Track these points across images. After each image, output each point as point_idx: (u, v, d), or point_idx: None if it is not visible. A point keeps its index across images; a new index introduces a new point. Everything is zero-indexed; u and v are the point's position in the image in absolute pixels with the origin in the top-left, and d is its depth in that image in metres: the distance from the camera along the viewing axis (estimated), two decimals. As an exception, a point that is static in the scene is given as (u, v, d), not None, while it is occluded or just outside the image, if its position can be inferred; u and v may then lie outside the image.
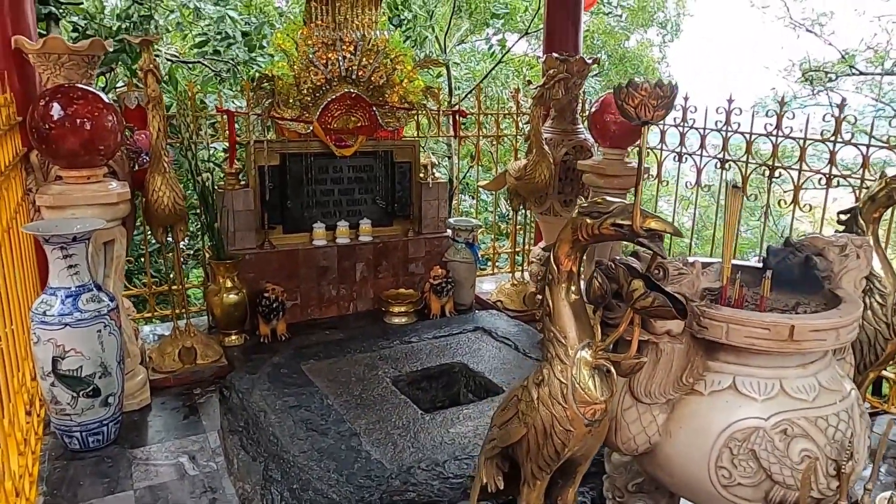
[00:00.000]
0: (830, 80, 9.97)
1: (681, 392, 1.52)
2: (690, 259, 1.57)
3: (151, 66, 3.12)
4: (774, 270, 1.69)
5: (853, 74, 9.82)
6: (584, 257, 1.43)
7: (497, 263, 5.76)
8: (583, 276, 1.49)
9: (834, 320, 1.45)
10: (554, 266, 1.40)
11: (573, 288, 1.41)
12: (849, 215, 2.17)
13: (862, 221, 2.10)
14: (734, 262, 1.76)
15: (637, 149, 4.66)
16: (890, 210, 2.57)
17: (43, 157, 3.23)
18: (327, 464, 2.44)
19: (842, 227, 2.19)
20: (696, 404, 1.53)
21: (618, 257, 1.43)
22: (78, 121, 2.90)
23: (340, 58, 4.09)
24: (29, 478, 2.54)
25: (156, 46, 3.80)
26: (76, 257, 2.71)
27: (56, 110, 2.87)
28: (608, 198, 1.32)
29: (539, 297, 1.47)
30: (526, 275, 4.88)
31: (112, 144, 3.03)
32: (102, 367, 2.79)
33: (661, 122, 4.53)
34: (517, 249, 5.25)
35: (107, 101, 3.04)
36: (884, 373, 2.99)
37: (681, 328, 1.49)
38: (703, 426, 1.50)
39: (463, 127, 5.06)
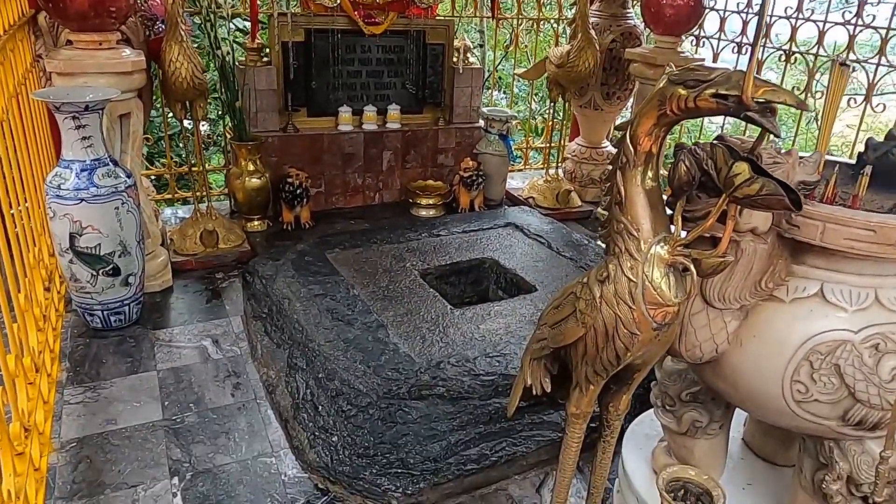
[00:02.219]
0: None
1: (759, 297, 1.35)
2: (784, 147, 1.35)
3: (164, -84, 2.80)
4: (874, 167, 1.46)
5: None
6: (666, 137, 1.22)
7: (528, 160, 5.51)
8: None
9: (952, 224, 1.24)
10: (630, 146, 1.20)
11: (650, 173, 1.21)
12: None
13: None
14: (827, 157, 1.54)
15: (715, 33, 4.29)
16: None
17: (51, 19, 2.99)
18: (354, 354, 2.35)
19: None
20: (774, 312, 1.36)
21: (705, 143, 1.22)
22: (84, -23, 2.64)
23: (372, -79, 3.69)
24: (50, 354, 2.49)
25: None
26: (90, 128, 2.53)
27: (62, -36, 2.60)
28: (707, 64, 1.09)
29: (607, 183, 1.28)
30: (560, 171, 4.64)
31: (124, 6, 2.78)
32: (121, 245, 2.68)
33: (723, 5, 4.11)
34: (552, 145, 4.98)
35: (116, -45, 2.75)
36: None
37: (767, 226, 1.30)
38: (781, 336, 1.34)
39: (501, 9, 4.66)
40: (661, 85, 1.14)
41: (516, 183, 4.83)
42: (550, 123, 4.96)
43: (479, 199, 4.23)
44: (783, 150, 1.33)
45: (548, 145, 5.11)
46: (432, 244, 3.34)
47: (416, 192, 4.15)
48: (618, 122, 4.57)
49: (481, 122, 4.36)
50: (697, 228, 1.19)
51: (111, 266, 2.68)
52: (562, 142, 4.74)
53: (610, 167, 1.29)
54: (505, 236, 3.49)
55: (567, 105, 4.32)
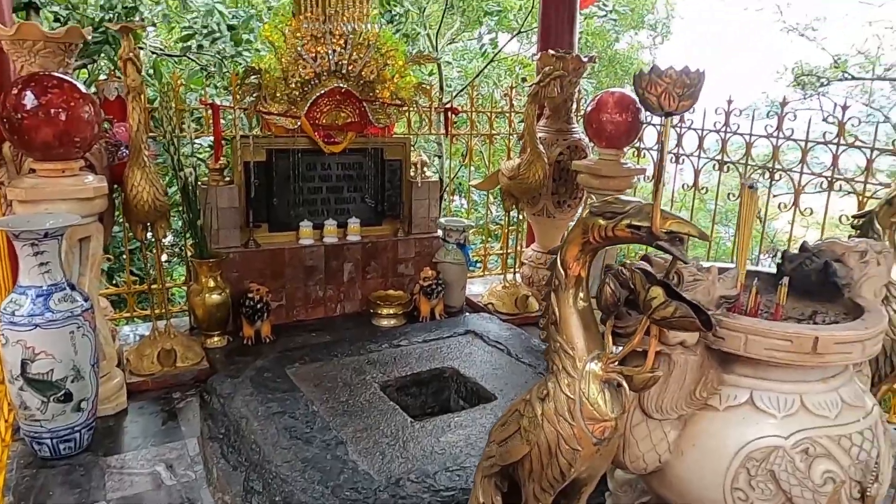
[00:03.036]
0: (822, 84, 9.95)
1: (694, 407, 1.42)
2: (705, 263, 1.47)
3: (132, 54, 2.98)
4: (790, 277, 1.59)
5: (845, 79, 9.81)
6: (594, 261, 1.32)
7: (487, 265, 5.65)
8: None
9: (860, 332, 1.35)
10: (561, 270, 1.29)
11: (581, 294, 1.30)
12: (864, 220, 2.08)
13: (878, 226, 2.01)
14: (748, 268, 1.66)
15: (654, 145, 4.57)
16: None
17: (15, 149, 3.07)
18: (311, 474, 2.31)
19: (856, 232, 2.10)
20: (710, 420, 1.42)
21: (627, 262, 1.32)
22: (52, 111, 2.76)
23: (330, 51, 3.96)
24: (-7, 488, 2.39)
25: (141, 37, 3.65)
26: (48, 254, 2.56)
27: (29, 99, 2.73)
28: (623, 197, 1.21)
29: (544, 303, 1.36)
30: (518, 277, 4.77)
31: (89, 136, 2.89)
32: (75, 370, 2.65)
33: (662, 119, 4.44)
34: (509, 251, 5.14)
35: (83, 90, 2.90)
36: None
37: (695, 339, 1.39)
38: (718, 444, 1.39)
39: (455, 125, 4.94)
40: (584, 216, 1.25)
41: (476, 289, 4.93)
42: (506, 231, 5.15)
43: (440, 307, 4.30)
44: (703, 267, 1.44)
45: (505, 251, 5.27)
46: (393, 355, 3.36)
47: (378, 302, 4.21)
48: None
49: (440, 232, 4.50)
50: (627, 346, 1.27)
51: (63, 392, 2.63)
52: (518, 248, 4.91)
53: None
54: (465, 344, 3.53)
55: (521, 213, 4.51)
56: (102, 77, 6.74)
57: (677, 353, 1.38)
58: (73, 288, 2.70)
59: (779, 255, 1.69)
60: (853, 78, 9.77)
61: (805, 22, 10.38)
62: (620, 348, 1.31)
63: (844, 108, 3.20)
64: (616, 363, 1.25)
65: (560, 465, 1.28)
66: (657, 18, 15.11)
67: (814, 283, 1.62)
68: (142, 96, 3.15)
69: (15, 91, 2.75)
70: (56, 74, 2.91)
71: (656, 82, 1.14)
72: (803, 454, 1.35)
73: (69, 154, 2.85)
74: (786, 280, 1.56)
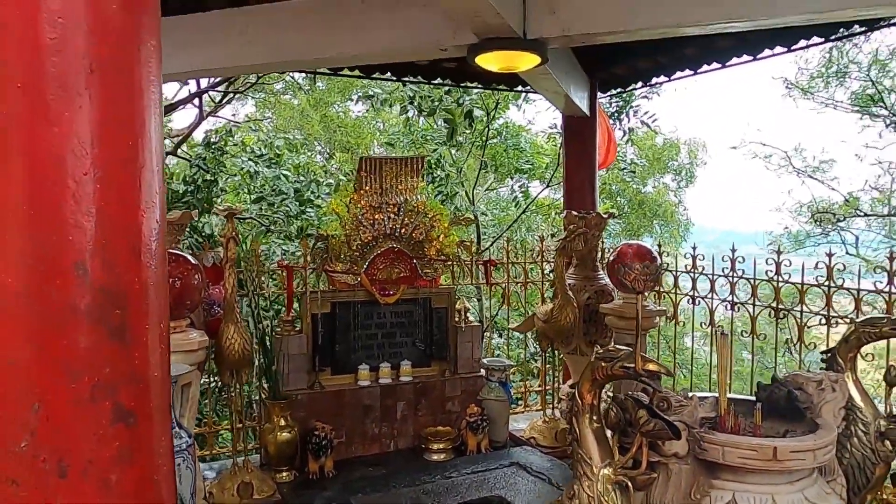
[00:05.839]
0: (839, 220, 10.50)
1: (691, 506, 1.83)
2: (689, 393, 1.93)
3: (233, 233, 3.71)
4: (764, 402, 2.04)
5: (859, 215, 10.36)
6: (603, 392, 1.80)
7: (528, 401, 6.02)
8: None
9: (809, 443, 1.78)
10: (579, 400, 1.78)
11: (594, 417, 1.77)
12: (829, 354, 2.52)
13: (840, 360, 2.44)
14: (732, 395, 2.12)
15: (672, 289, 5.09)
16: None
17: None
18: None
19: (824, 365, 2.53)
20: (704, 517, 1.82)
21: (630, 392, 1.81)
22: (170, 279, 3.44)
23: (386, 218, 4.70)
24: None
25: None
26: (164, 398, 3.12)
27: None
28: (618, 346, 1.72)
29: (568, 426, 1.83)
30: (557, 412, 5.14)
31: (196, 299, 3.55)
32: (179, 499, 3.11)
33: (675, 269, 4.99)
34: (547, 387, 5.55)
35: (194, 262, 3.60)
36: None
37: (685, 451, 1.83)
38: (711, 536, 1.79)
39: (494, 275, 5.57)
40: (592, 360, 1.77)
41: (519, 424, 5.29)
42: (544, 369, 5.59)
43: (485, 442, 4.67)
44: (688, 395, 1.92)
45: (543, 388, 5.68)
46: (445, 486, 3.74)
47: (428, 437, 4.62)
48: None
49: (483, 372, 4.97)
50: (628, 455, 1.73)
51: (168, 517, 3.08)
52: (556, 384, 5.32)
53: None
54: (510, 475, 3.90)
55: (556, 352, 4.98)
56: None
57: (672, 463, 1.81)
58: (179, 426, 3.23)
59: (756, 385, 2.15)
60: (866, 214, 10.32)
61: (813, 165, 11.15)
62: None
63: (830, 255, 3.72)
64: (623, 468, 1.70)
65: (586, 551, 1.69)
66: (680, 164, 16.13)
67: (784, 407, 2.06)
68: (235, 265, 3.84)
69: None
70: (172, 250, 3.63)
71: (628, 272, 1.68)
72: (777, 542, 1.73)
73: (180, 314, 3.50)
74: (759, 405, 2.01)
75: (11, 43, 0.76)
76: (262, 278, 4.78)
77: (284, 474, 4.23)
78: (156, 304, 0.91)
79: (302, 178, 8.52)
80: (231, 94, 11.07)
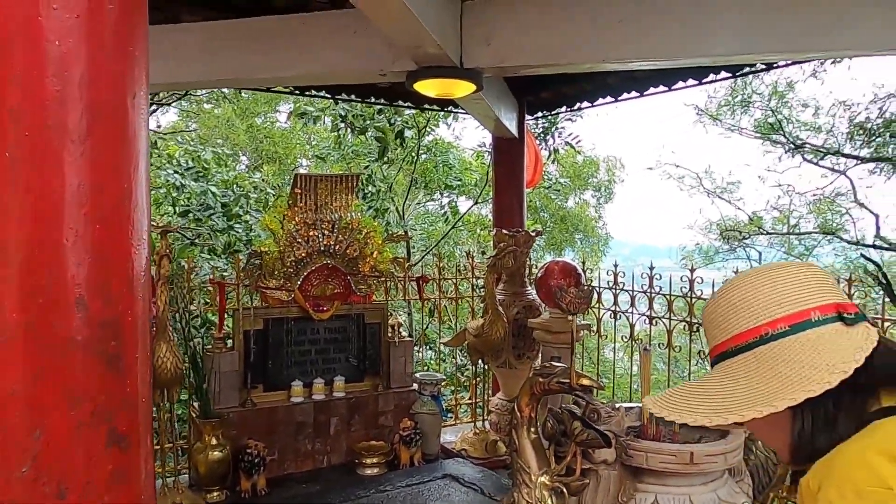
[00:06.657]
0: (744, 238, 11.29)
1: (618, 509, 2.00)
2: (617, 404, 2.11)
3: (167, 250, 3.68)
4: (681, 412, 2.24)
5: (762, 234, 11.19)
6: (539, 405, 1.95)
7: (458, 414, 6.16)
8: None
9: (721, 447, 1.99)
10: (518, 413, 1.92)
11: (532, 429, 1.92)
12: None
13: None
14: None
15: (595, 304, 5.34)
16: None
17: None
18: None
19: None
20: (630, 518, 2.00)
21: (563, 404, 1.97)
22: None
23: (320, 234, 4.74)
24: None
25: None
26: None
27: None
28: (555, 363, 1.88)
29: (507, 437, 1.97)
30: (486, 424, 5.30)
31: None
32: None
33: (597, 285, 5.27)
34: (477, 400, 5.70)
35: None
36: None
37: (613, 458, 2.00)
38: (636, 535, 1.96)
39: (426, 290, 5.69)
40: (530, 376, 1.92)
41: (449, 437, 5.41)
42: (474, 382, 5.75)
43: (418, 455, 4.76)
44: (616, 406, 2.10)
45: (474, 400, 5.83)
46: (380, 499, 3.81)
47: (362, 452, 4.66)
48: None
49: (415, 386, 5.07)
50: (563, 462, 1.88)
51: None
52: (486, 396, 5.48)
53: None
54: (444, 487, 4.01)
55: (486, 366, 5.15)
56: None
57: (602, 469, 1.98)
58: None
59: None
60: (768, 233, 11.16)
61: (722, 186, 11.97)
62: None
63: (736, 271, 4.04)
64: (558, 475, 1.84)
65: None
66: (600, 180, 16.85)
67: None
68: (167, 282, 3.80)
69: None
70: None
71: (564, 296, 1.85)
72: (694, 537, 1.92)
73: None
74: (677, 414, 2.21)
75: (20, 94, 0.82)
76: (192, 294, 4.72)
77: (216, 494, 4.17)
78: (142, 333, 0.97)
79: (230, 192, 8.40)
80: (154, 106, 10.76)
